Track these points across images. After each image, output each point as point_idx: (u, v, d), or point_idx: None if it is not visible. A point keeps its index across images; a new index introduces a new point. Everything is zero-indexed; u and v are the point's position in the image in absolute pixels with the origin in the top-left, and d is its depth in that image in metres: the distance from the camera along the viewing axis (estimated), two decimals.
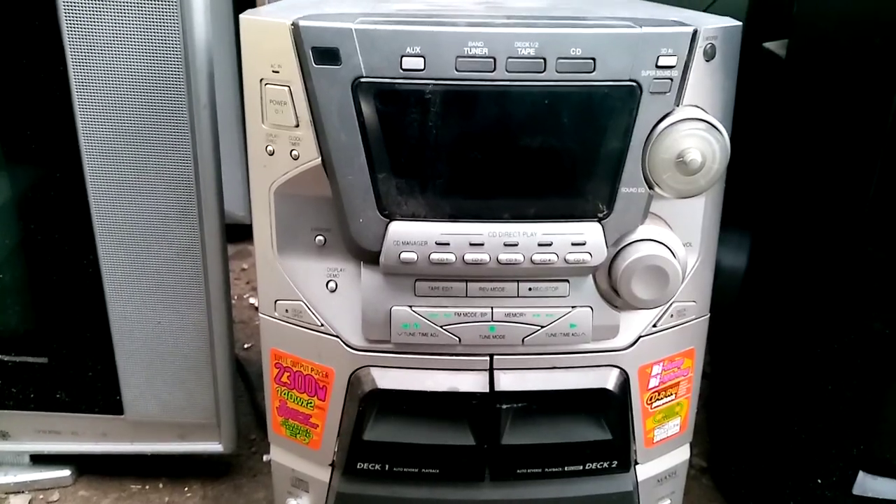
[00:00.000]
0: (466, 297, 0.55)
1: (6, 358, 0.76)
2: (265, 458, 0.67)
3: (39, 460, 0.83)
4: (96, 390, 0.77)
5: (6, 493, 0.82)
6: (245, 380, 0.98)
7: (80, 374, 0.76)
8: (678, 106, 0.51)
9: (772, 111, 0.69)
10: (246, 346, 1.10)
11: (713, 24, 0.51)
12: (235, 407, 0.79)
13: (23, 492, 0.83)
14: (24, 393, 0.78)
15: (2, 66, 0.64)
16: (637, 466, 0.62)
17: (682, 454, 0.66)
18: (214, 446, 0.80)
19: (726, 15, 0.55)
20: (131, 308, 0.73)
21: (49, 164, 0.68)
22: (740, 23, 0.53)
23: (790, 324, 0.67)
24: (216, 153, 0.68)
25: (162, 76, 0.64)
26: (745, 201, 0.68)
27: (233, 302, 0.82)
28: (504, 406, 0.57)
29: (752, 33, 0.55)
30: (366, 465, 0.59)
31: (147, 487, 0.84)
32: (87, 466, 0.85)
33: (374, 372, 0.57)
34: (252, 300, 1.24)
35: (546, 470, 0.60)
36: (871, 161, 0.56)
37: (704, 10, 0.60)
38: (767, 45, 0.74)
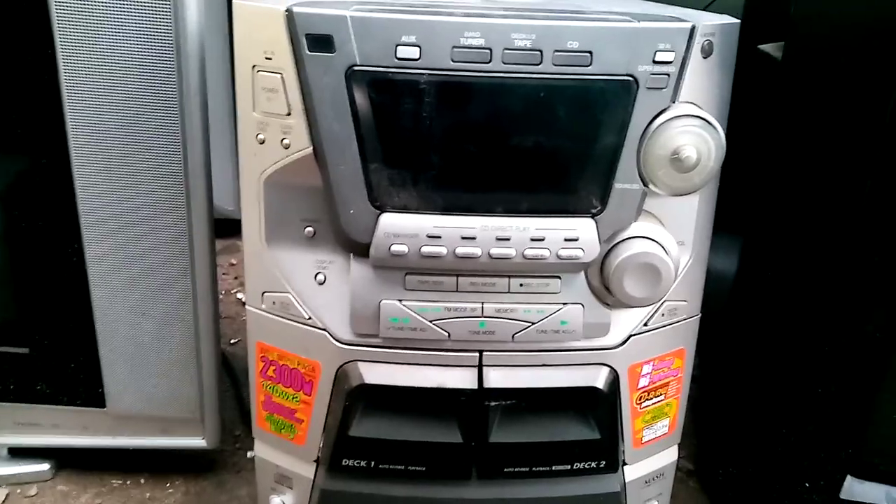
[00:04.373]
0: (457, 291, 0.54)
1: None
2: (249, 454, 0.66)
3: (18, 454, 0.82)
4: (78, 382, 0.76)
5: None
6: (230, 375, 0.97)
7: (62, 365, 0.75)
8: (674, 102, 0.50)
9: (766, 114, 0.69)
10: (232, 341, 1.09)
11: (711, 21, 0.51)
12: (220, 402, 0.78)
13: (0, 486, 0.81)
14: (4, 384, 0.76)
15: None
16: (625, 467, 0.62)
17: (671, 455, 0.66)
18: (198, 441, 0.79)
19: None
20: (116, 299, 0.71)
21: (35, 151, 0.67)
22: (738, 21, 0.53)
23: (780, 326, 0.67)
24: (206, 142, 0.67)
25: (152, 62, 0.63)
26: (736, 204, 0.67)
27: (220, 297, 0.81)
28: (492, 403, 0.57)
29: (747, 35, 0.55)
30: (351, 461, 0.59)
31: (128, 483, 0.83)
32: (66, 460, 0.84)
33: (362, 366, 0.56)
34: (240, 295, 1.23)
35: (533, 469, 0.59)
36: (865, 164, 0.56)
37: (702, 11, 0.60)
38: (763, 47, 0.74)
